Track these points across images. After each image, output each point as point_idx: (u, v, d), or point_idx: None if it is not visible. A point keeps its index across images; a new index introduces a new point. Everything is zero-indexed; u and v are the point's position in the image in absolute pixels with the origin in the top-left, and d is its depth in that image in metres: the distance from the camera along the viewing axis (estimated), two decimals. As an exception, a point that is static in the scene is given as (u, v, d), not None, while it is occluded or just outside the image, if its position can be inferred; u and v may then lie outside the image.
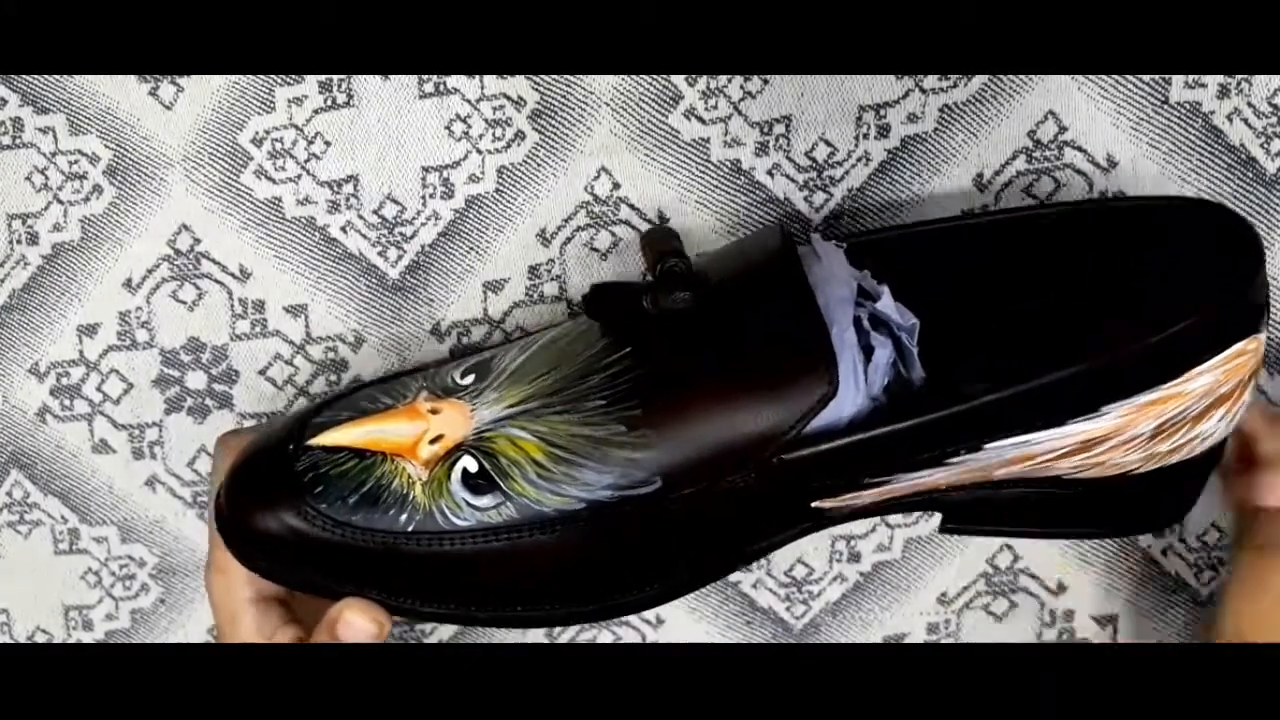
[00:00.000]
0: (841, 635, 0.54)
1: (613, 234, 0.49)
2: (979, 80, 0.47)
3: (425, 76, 0.47)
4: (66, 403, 0.51)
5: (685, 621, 0.54)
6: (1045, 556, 0.53)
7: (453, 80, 0.47)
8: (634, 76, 0.47)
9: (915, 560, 0.53)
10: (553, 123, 0.48)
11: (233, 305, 0.50)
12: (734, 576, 0.54)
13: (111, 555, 0.53)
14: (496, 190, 0.48)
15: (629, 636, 0.54)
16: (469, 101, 0.47)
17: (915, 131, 0.48)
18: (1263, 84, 0.47)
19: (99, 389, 0.50)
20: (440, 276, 0.49)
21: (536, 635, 0.54)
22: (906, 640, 0.54)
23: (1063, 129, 0.47)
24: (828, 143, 0.48)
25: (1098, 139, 0.48)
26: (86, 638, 0.54)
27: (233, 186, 0.48)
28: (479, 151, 0.48)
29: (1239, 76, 0.47)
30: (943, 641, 0.54)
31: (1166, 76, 0.47)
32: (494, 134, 0.48)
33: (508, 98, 0.47)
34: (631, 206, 0.49)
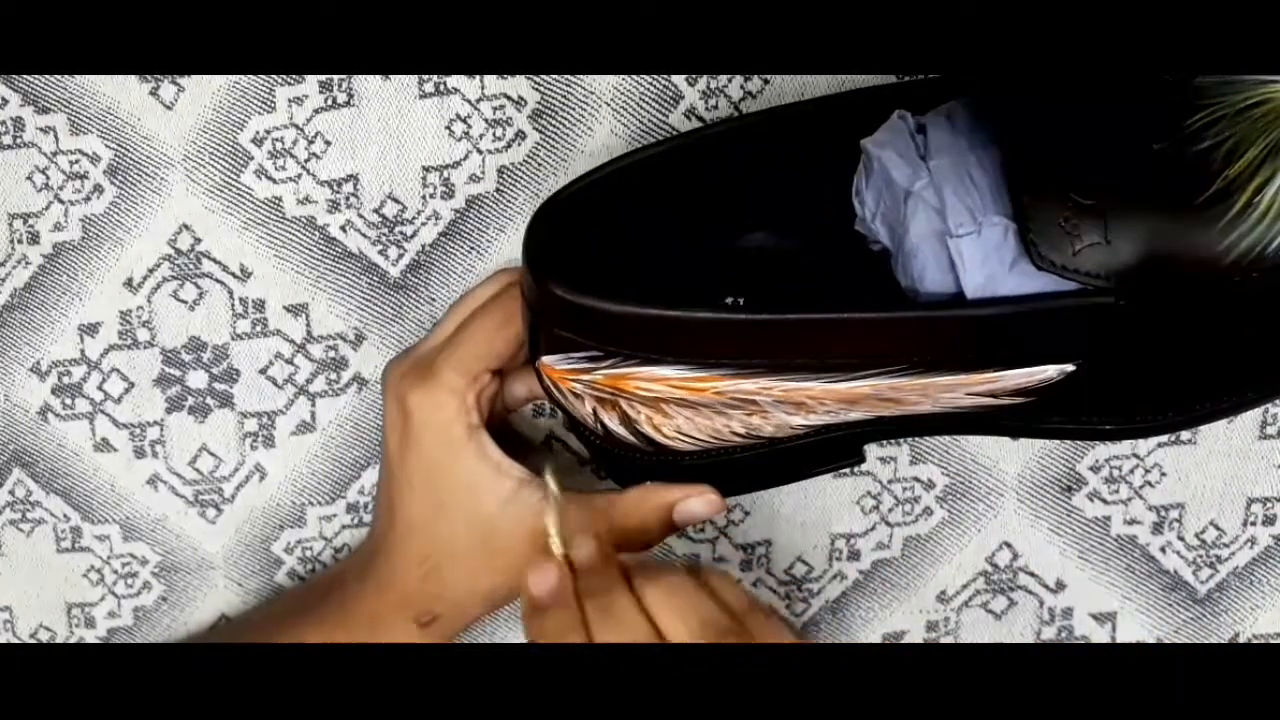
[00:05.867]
0: (841, 633, 0.54)
1: (613, 233, 0.49)
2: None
3: (425, 76, 0.47)
4: (68, 401, 0.51)
5: (685, 620, 0.54)
6: (1044, 554, 0.53)
7: (453, 80, 0.47)
8: (634, 76, 0.47)
9: (914, 558, 0.53)
10: (553, 123, 0.48)
11: (233, 304, 0.50)
12: (734, 575, 0.54)
13: (113, 553, 0.53)
14: (497, 190, 0.48)
15: (629, 636, 0.54)
16: (469, 101, 0.47)
17: (915, 131, 0.48)
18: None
19: (100, 388, 0.50)
20: (441, 275, 0.49)
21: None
22: (906, 638, 0.54)
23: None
24: (828, 142, 0.48)
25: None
26: (89, 635, 0.54)
27: (233, 186, 0.48)
28: (479, 151, 0.48)
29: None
30: (942, 640, 0.54)
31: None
32: (494, 134, 0.48)
33: (508, 98, 0.47)
34: (632, 206, 0.49)
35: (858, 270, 0.44)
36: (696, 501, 0.43)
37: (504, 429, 0.50)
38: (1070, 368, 0.40)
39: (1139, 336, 0.40)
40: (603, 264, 0.44)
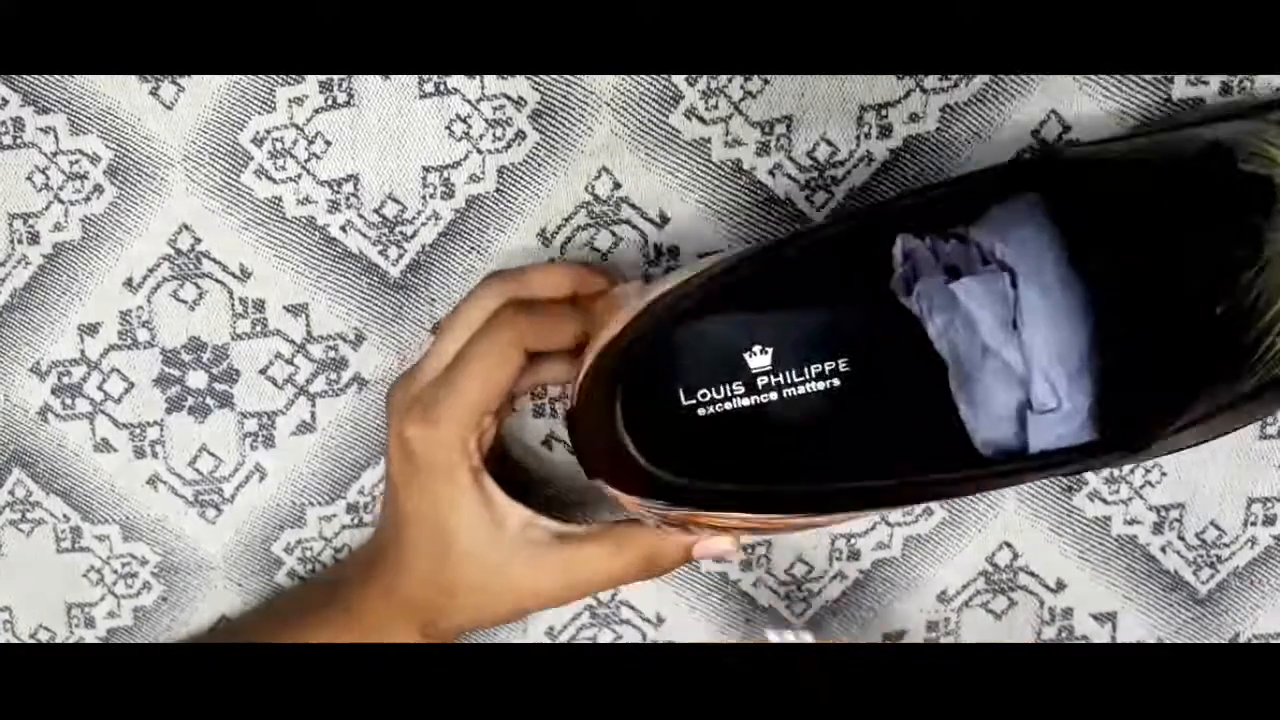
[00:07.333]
0: (841, 633, 0.54)
1: (613, 234, 0.49)
2: (980, 80, 0.47)
3: (425, 76, 0.47)
4: (68, 401, 0.51)
5: (685, 620, 0.54)
6: (1045, 554, 0.53)
7: (453, 80, 0.47)
8: (634, 76, 0.47)
9: (915, 558, 0.53)
10: (553, 122, 0.48)
11: (233, 304, 0.50)
12: (733, 575, 0.54)
13: (113, 553, 0.53)
14: (497, 190, 0.48)
15: (629, 636, 0.54)
16: (469, 101, 0.47)
17: (917, 131, 0.48)
18: (1264, 83, 0.47)
19: (100, 388, 0.50)
20: (441, 276, 0.49)
21: (537, 634, 0.54)
22: (906, 638, 0.54)
23: (1066, 128, 0.47)
24: (829, 143, 0.48)
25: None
26: (89, 635, 0.54)
27: (233, 186, 0.48)
28: (479, 151, 0.48)
29: (1240, 76, 0.47)
30: (942, 640, 0.54)
31: (1169, 75, 0.47)
32: (494, 134, 0.48)
33: (508, 98, 0.47)
34: (632, 206, 0.49)
35: (887, 323, 0.44)
36: (718, 541, 0.45)
37: (501, 454, 0.50)
38: (1094, 460, 0.42)
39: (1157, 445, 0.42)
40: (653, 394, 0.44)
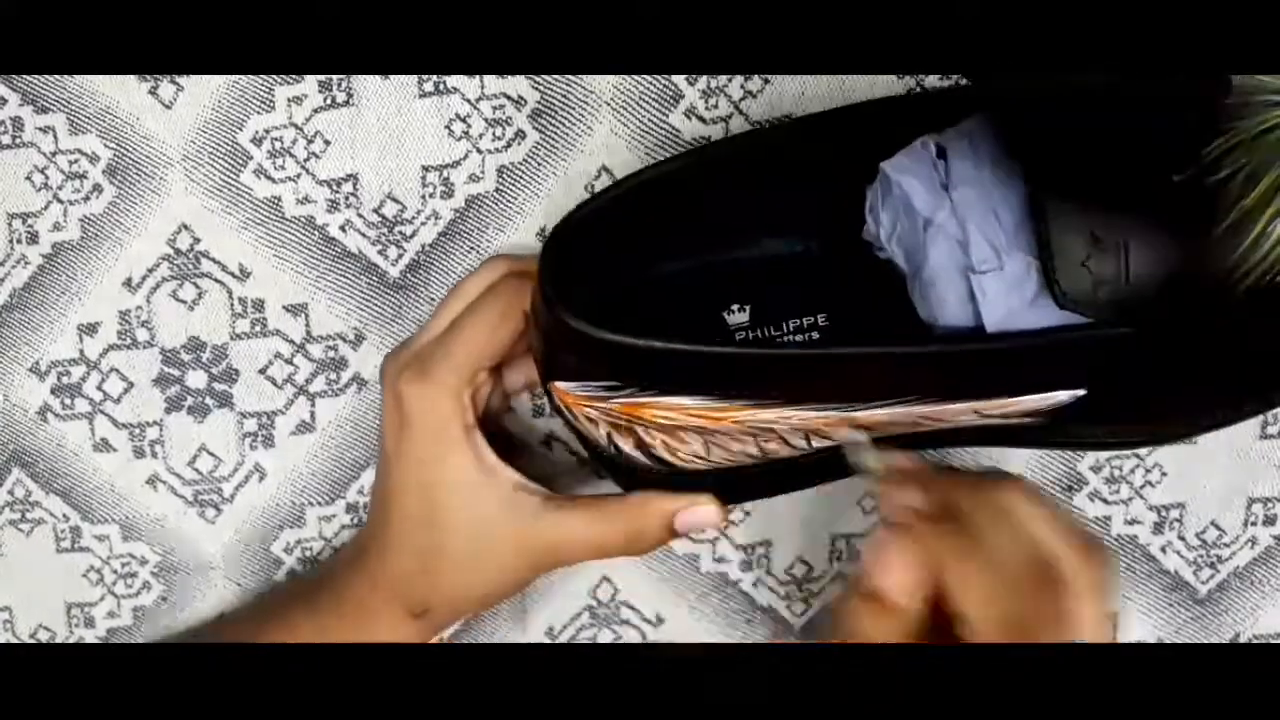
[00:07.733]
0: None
1: (613, 233, 0.49)
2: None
3: (425, 76, 0.47)
4: (67, 401, 0.51)
5: (685, 621, 0.54)
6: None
7: (453, 79, 0.47)
8: (634, 76, 0.47)
9: (915, 558, 0.53)
10: (553, 122, 0.48)
11: (232, 304, 0.50)
12: (734, 575, 0.54)
13: (113, 553, 0.53)
14: (497, 190, 0.48)
15: (629, 636, 0.54)
16: (469, 101, 0.47)
17: (916, 131, 0.48)
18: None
19: (99, 388, 0.50)
20: (441, 275, 0.49)
21: (537, 634, 0.54)
22: (906, 638, 0.54)
23: (1063, 128, 0.47)
24: (828, 142, 0.48)
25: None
26: (88, 635, 0.54)
27: (232, 185, 0.48)
28: (479, 151, 0.48)
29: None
30: (942, 639, 0.54)
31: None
32: (494, 133, 0.48)
33: (508, 97, 0.47)
34: (632, 206, 0.49)
35: (865, 277, 0.44)
36: (699, 511, 0.44)
37: (499, 430, 0.49)
38: (1081, 392, 0.40)
39: (1148, 362, 0.40)
40: (615, 284, 0.44)
